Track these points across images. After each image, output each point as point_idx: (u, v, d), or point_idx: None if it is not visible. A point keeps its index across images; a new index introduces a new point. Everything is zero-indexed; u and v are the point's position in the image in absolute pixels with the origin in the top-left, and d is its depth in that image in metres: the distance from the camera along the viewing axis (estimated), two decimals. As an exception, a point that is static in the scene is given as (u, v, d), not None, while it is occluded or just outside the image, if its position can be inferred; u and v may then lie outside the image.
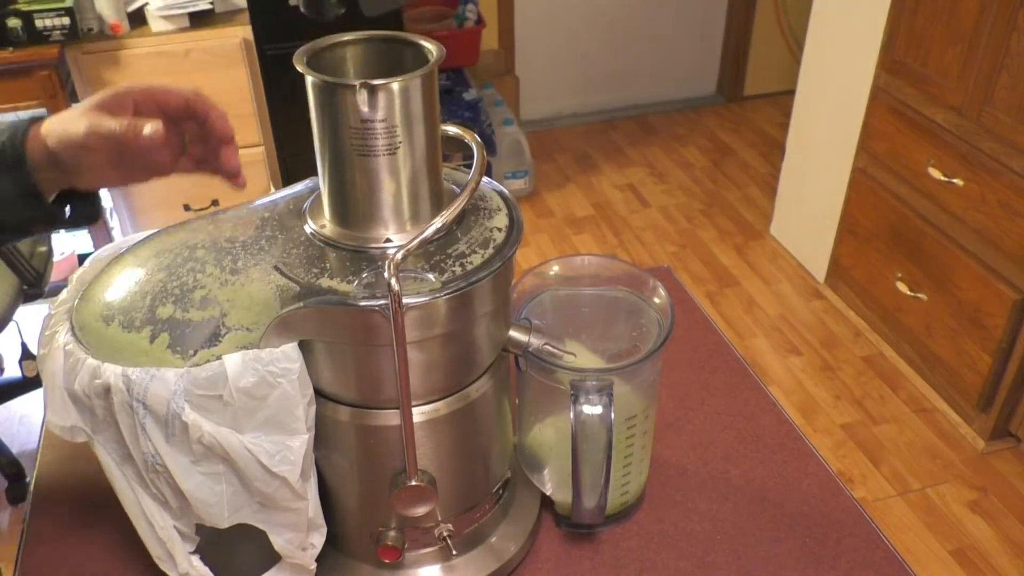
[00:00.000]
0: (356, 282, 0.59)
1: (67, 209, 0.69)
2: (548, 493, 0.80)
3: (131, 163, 0.66)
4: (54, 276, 1.95)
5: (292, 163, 2.35)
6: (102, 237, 2.34)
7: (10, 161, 0.64)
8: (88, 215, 0.71)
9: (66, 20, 2.09)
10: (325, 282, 0.60)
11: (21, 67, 2.09)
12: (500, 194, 0.69)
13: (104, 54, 2.17)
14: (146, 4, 2.22)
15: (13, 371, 2.09)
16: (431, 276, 0.60)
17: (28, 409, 2.20)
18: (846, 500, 0.83)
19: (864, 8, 2.22)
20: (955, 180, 1.97)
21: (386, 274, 0.56)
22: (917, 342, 2.20)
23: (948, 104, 1.97)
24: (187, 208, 2.33)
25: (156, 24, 2.22)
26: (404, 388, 0.61)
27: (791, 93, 2.64)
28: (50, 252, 1.92)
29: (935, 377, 2.17)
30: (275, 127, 2.29)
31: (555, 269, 0.80)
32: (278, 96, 2.21)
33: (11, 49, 2.08)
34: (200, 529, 0.66)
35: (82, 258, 2.56)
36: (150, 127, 0.62)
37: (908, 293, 2.18)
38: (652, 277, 0.77)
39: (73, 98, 2.21)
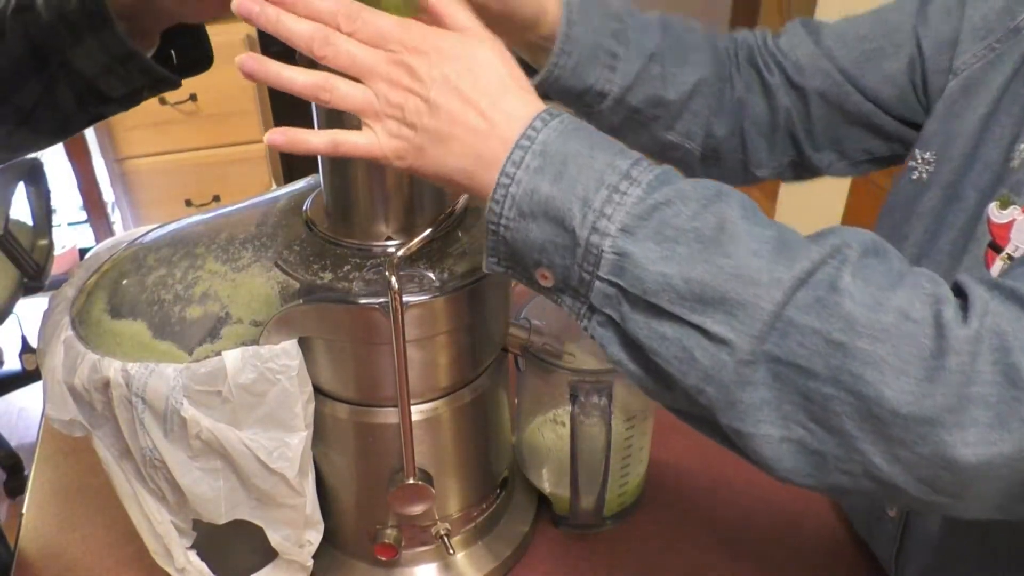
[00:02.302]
0: (356, 280, 0.59)
1: (173, 56, 0.60)
2: (546, 493, 0.80)
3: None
4: (55, 269, 1.95)
5: (294, 160, 2.35)
6: (103, 232, 2.35)
7: (91, 18, 0.53)
8: (198, 58, 0.62)
9: (70, 14, 2.09)
10: (325, 279, 0.60)
11: (24, 60, 2.09)
12: (501, 194, 0.69)
13: (108, 48, 2.17)
14: (150, -1, 2.22)
15: (13, 364, 2.09)
16: (431, 275, 0.60)
17: (27, 402, 2.20)
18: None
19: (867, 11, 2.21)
20: (957, 185, 1.97)
21: (386, 272, 0.56)
22: (917, 347, 2.20)
23: (951, 109, 1.97)
24: (188, 204, 2.33)
25: (160, 19, 2.21)
26: (403, 386, 0.61)
27: (794, 96, 2.64)
28: (51, 245, 1.92)
29: (934, 382, 2.17)
30: (278, 124, 2.28)
31: (555, 269, 0.80)
32: (281, 93, 2.21)
33: (14, 42, 2.08)
34: (197, 524, 0.66)
35: (83, 252, 2.57)
36: None
37: (908, 298, 2.18)
38: (652, 278, 0.77)
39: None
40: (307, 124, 0.61)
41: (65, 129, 0.62)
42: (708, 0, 3.51)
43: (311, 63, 0.49)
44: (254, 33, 2.13)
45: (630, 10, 0.67)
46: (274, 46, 0.51)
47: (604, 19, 0.65)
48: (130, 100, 0.60)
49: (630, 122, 0.65)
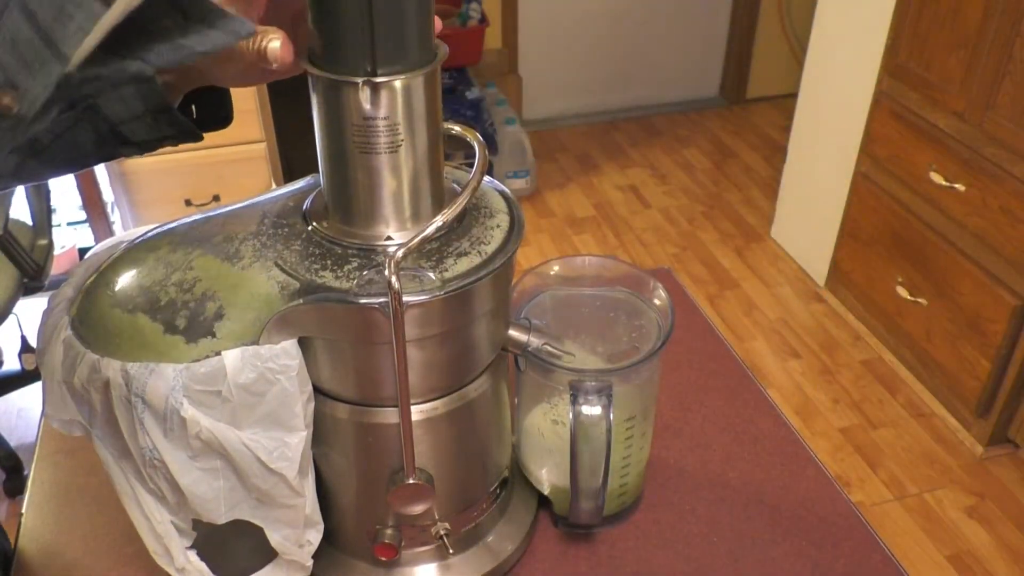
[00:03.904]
0: (356, 279, 0.59)
1: (193, 111, 0.62)
2: (546, 493, 0.80)
3: (263, 74, 0.60)
4: (55, 269, 1.95)
5: (294, 159, 2.35)
6: (103, 231, 2.34)
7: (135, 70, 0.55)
8: (220, 118, 0.65)
9: (70, 14, 2.09)
10: (325, 279, 0.60)
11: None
12: (501, 193, 0.69)
13: (107, 48, 2.16)
14: None
15: (12, 364, 2.09)
16: (431, 274, 0.60)
17: (27, 402, 2.20)
18: (843, 504, 0.83)
19: (868, 12, 2.22)
20: (957, 185, 1.97)
21: (386, 272, 0.56)
22: (917, 347, 2.20)
23: (951, 109, 1.98)
24: (188, 203, 2.33)
25: (159, 19, 2.21)
26: (403, 386, 0.61)
27: (794, 96, 2.64)
28: (51, 245, 1.92)
29: (934, 382, 2.17)
30: (277, 123, 2.29)
31: (555, 269, 0.80)
32: (280, 92, 2.22)
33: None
34: (197, 524, 0.66)
35: (83, 252, 2.56)
36: (274, 47, 0.54)
37: (908, 298, 2.18)
38: (652, 278, 0.77)
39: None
40: (306, 123, 0.62)
41: (77, 165, 0.62)
42: (708, 0, 3.51)
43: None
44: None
45: None
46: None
47: None
48: (150, 146, 0.60)
49: None
